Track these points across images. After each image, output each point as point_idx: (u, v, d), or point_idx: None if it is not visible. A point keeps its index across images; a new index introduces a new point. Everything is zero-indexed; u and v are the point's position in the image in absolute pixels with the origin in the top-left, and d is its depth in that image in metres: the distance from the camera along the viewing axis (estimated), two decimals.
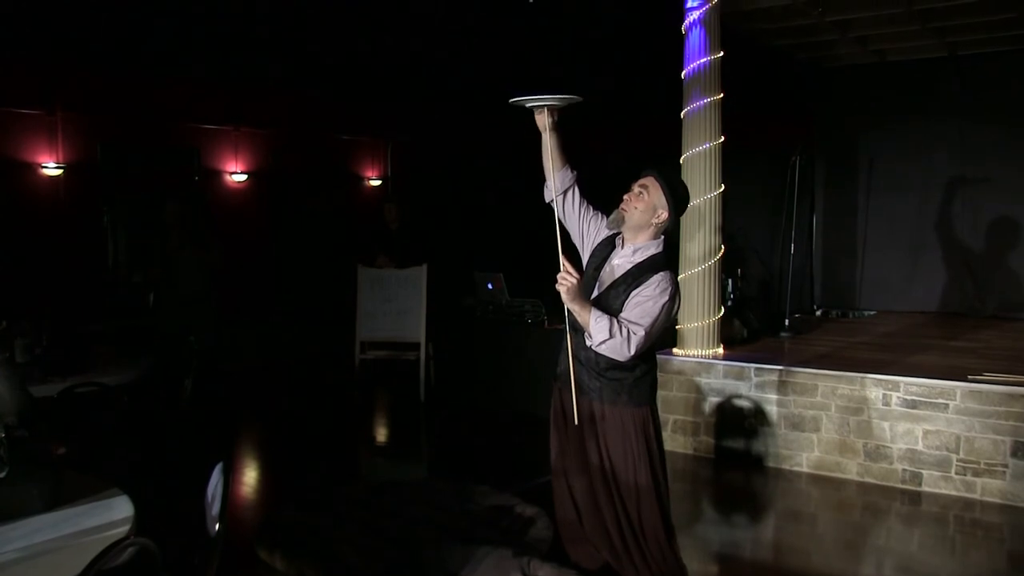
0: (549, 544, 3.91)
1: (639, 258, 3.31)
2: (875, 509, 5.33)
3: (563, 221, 3.47)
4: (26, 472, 2.83)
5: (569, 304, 3.19)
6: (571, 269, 3.15)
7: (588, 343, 3.25)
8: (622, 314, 3.21)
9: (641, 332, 3.16)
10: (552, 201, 3.43)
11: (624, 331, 3.15)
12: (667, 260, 3.34)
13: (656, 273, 3.24)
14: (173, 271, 6.73)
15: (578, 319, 3.22)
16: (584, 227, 3.50)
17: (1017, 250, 8.93)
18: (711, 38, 6.27)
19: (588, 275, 3.42)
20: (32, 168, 8.18)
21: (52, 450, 3.51)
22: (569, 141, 3.45)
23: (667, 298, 3.21)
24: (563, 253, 3.21)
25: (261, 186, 10.07)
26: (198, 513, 2.83)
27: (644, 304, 3.20)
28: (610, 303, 3.26)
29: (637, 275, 3.26)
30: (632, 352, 3.17)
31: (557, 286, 3.16)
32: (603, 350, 3.21)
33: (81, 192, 8.44)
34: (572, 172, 3.47)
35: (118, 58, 8.36)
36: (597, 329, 3.17)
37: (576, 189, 3.48)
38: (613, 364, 3.29)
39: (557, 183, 3.41)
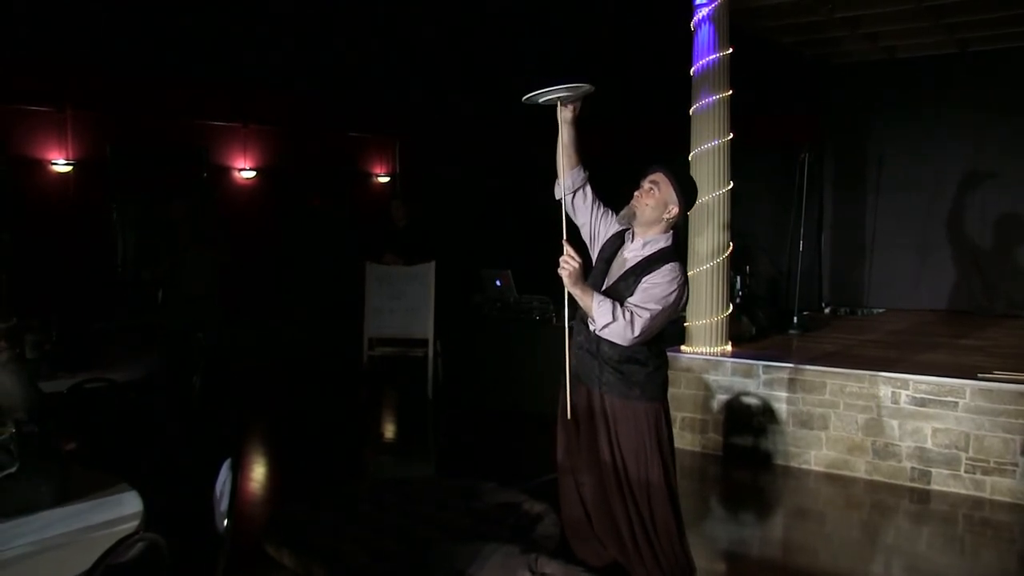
0: (557, 541, 3.90)
1: (649, 251, 3.32)
2: (884, 507, 5.31)
3: (573, 218, 3.48)
4: (35, 467, 2.84)
5: (571, 288, 3.20)
6: (573, 253, 3.17)
7: (591, 328, 3.26)
8: (630, 299, 3.22)
9: (646, 315, 3.16)
10: (563, 198, 3.43)
11: (627, 314, 3.16)
12: (676, 253, 3.35)
13: (667, 263, 3.25)
14: (179, 269, 6.75)
15: (580, 303, 3.23)
16: (596, 225, 3.49)
17: None
18: (720, 35, 6.25)
19: (598, 268, 3.43)
20: (42, 165, 8.22)
21: (61, 446, 3.53)
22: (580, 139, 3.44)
23: (675, 287, 3.22)
24: (566, 240, 3.21)
25: (269, 183, 10.10)
26: (207, 509, 2.84)
27: (652, 290, 3.21)
28: (620, 294, 3.26)
29: (647, 266, 3.28)
30: (636, 334, 3.16)
31: (559, 270, 3.17)
32: (606, 334, 3.21)
33: (90, 189, 8.48)
34: (585, 171, 3.46)
35: (128, 56, 8.39)
36: (600, 313, 3.18)
37: (588, 187, 3.48)
38: (626, 358, 3.29)
39: (569, 181, 3.42)
